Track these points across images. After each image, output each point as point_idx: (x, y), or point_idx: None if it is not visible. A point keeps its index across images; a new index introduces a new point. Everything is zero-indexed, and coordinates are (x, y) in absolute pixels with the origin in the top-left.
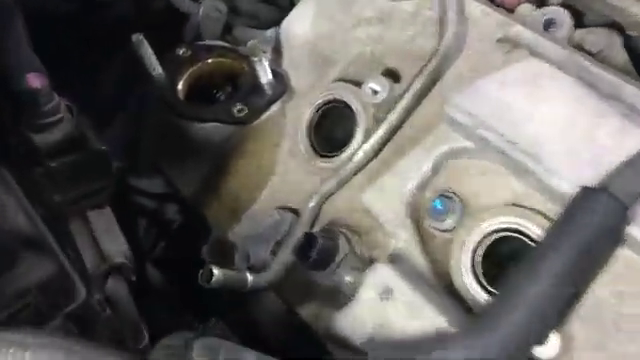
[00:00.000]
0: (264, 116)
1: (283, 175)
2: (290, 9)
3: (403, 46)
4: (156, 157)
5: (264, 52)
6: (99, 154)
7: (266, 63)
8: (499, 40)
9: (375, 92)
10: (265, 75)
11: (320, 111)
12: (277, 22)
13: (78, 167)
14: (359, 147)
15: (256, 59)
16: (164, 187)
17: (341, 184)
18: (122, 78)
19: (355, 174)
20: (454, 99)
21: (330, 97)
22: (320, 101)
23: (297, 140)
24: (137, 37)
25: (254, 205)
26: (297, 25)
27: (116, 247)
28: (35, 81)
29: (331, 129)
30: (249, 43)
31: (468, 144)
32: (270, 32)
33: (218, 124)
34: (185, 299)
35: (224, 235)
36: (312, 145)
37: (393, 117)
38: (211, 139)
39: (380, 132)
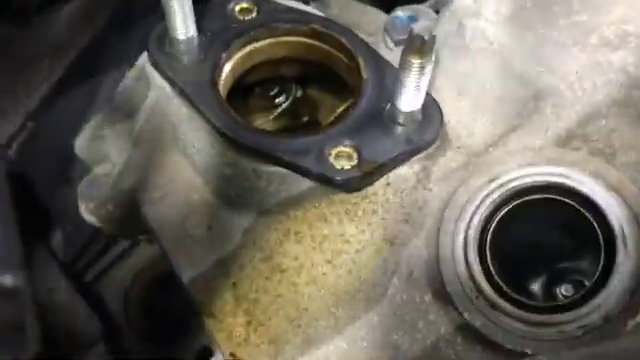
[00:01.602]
0: (382, 180)
1: (404, 314)
2: None
3: None
4: (140, 197)
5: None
6: None
7: (427, 79)
8: None
9: None
10: (413, 99)
11: (512, 203)
12: None
13: None
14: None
15: (416, 63)
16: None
17: None
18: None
19: None
20: None
21: (544, 180)
22: (515, 182)
23: (450, 251)
24: None
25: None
26: (482, 13)
27: None
28: None
29: (537, 243)
30: (415, 28)
31: None
32: (403, 13)
33: (292, 174)
34: None
35: None
36: (487, 269)
37: None
38: (265, 197)
39: None
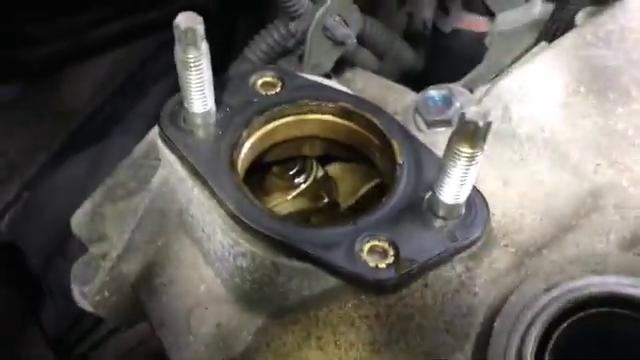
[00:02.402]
0: (420, 281)
1: None
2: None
3: None
4: (141, 285)
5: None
6: None
7: (476, 171)
8: None
9: None
10: (458, 191)
11: (574, 317)
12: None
13: None
14: None
15: (467, 153)
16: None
17: None
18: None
19: None
20: None
21: (612, 290)
22: (577, 292)
23: None
24: (190, 20)
25: None
26: (531, 98)
27: None
28: None
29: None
30: (469, 111)
31: None
32: (437, 92)
33: (316, 270)
34: None
35: None
36: None
37: None
38: (284, 294)
39: None
